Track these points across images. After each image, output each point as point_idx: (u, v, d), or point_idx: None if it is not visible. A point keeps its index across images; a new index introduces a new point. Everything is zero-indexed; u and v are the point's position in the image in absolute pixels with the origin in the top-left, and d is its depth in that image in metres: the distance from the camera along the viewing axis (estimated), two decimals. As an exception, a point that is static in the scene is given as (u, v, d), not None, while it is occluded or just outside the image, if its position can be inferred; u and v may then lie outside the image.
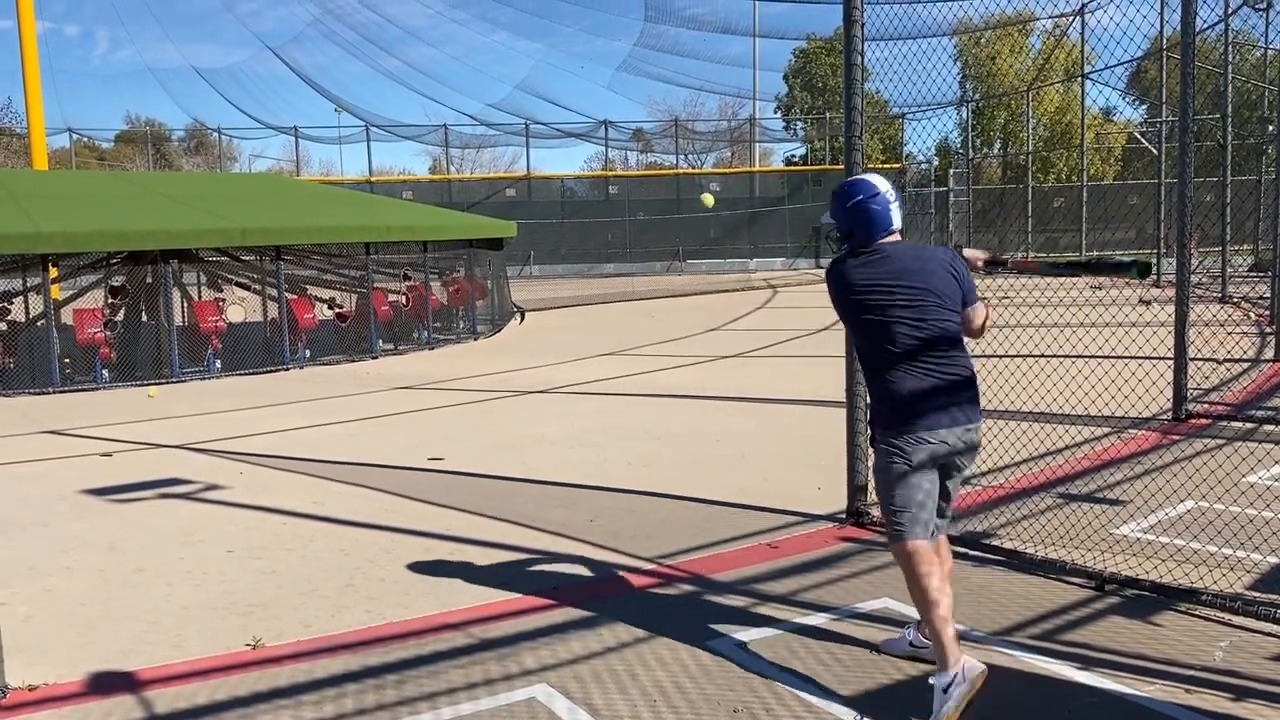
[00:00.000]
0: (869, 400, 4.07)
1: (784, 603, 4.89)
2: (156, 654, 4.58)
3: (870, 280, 3.86)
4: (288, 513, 6.95)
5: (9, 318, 16.24)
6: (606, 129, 46.48)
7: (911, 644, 4.17)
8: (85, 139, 48.73)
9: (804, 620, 4.64)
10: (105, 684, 4.29)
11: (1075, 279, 22.96)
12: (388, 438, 9.76)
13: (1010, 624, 4.50)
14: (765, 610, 4.80)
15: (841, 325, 4.41)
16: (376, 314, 17.20)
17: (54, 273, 15.55)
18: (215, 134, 48.63)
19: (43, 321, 14.93)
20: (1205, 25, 18.39)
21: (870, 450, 4.25)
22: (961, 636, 4.33)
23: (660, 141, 52.66)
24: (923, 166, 39.77)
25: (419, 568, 5.66)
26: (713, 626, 4.61)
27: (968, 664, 3.67)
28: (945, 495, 4.00)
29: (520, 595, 5.14)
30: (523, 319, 22.27)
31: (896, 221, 3.93)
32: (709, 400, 11.11)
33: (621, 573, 5.46)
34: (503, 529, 6.35)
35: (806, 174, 45.85)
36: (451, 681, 4.15)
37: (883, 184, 3.96)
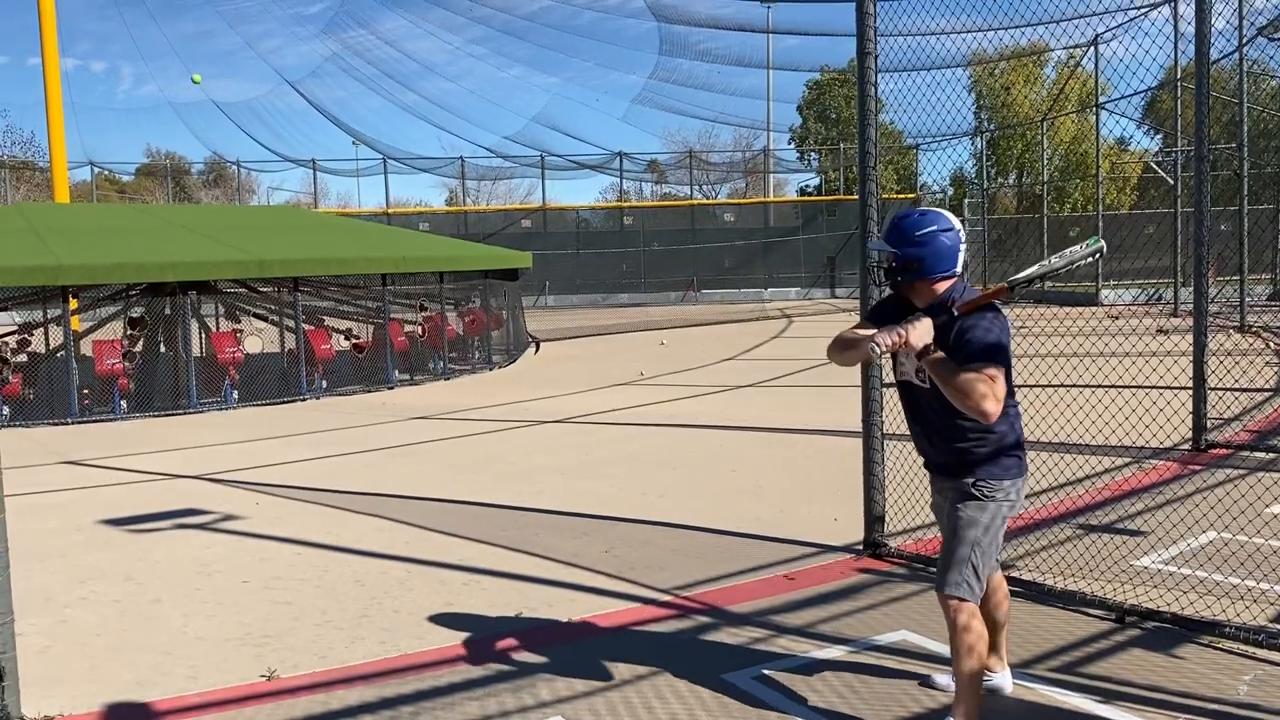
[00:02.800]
0: (981, 442, 3.68)
1: (801, 635, 4.85)
2: (172, 685, 4.57)
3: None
4: (303, 543, 6.95)
5: (29, 349, 16.37)
6: (621, 161, 46.79)
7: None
8: (106, 172, 49.39)
9: (821, 653, 4.60)
10: (120, 715, 4.29)
11: (1085, 308, 22.81)
12: (403, 468, 9.77)
13: (1030, 656, 4.45)
14: (782, 642, 4.76)
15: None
16: (393, 345, 17.26)
17: (74, 304, 15.68)
18: (234, 167, 49.20)
19: (62, 353, 15.05)
20: (1220, 55, 18.41)
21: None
22: (981, 669, 4.29)
23: (675, 173, 52.98)
24: (937, 196, 39.79)
25: (434, 599, 5.65)
26: (730, 659, 4.57)
27: None
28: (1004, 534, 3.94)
29: (535, 627, 5.12)
30: (538, 349, 22.31)
31: (960, 264, 3.69)
32: (724, 430, 11.08)
33: (637, 604, 5.43)
34: (517, 559, 6.33)
35: (820, 204, 45.97)
36: (467, 713, 4.12)
37: (956, 220, 3.74)
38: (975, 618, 3.61)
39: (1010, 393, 3.65)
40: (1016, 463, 3.71)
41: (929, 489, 3.98)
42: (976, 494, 3.66)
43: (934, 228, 3.64)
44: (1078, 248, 3.71)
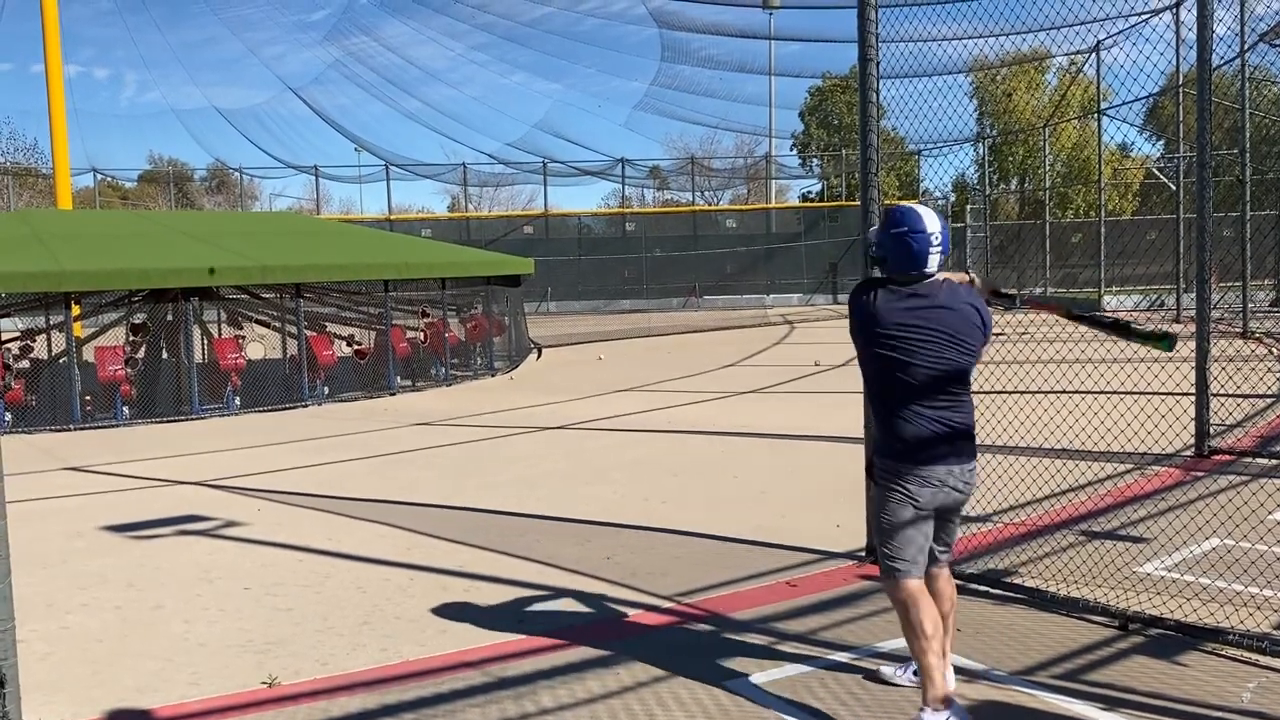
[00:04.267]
0: (876, 433, 4.02)
1: (803, 641, 4.84)
2: (173, 692, 4.57)
3: (899, 320, 3.80)
4: (304, 549, 6.95)
5: (31, 355, 16.38)
6: (624, 167, 46.79)
7: (914, 674, 4.11)
8: (109, 178, 49.44)
9: (824, 659, 4.60)
10: (121, 722, 4.28)
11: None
12: (405, 474, 9.76)
13: (1032, 663, 4.43)
14: (784, 649, 4.75)
15: (857, 363, 4.38)
16: (395, 351, 17.26)
17: (76, 310, 15.68)
18: (237, 173, 49.23)
19: (65, 359, 15.06)
20: (1222, 61, 18.41)
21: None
22: (982, 676, 4.29)
23: (677, 179, 52.95)
24: (939, 202, 39.81)
25: (435, 605, 5.64)
26: (731, 666, 4.56)
27: (958, 710, 3.73)
28: (948, 533, 3.99)
29: (537, 634, 5.11)
30: (540, 355, 22.31)
31: (932, 265, 3.82)
32: (726, 436, 11.07)
33: (638, 611, 5.42)
34: (519, 566, 6.33)
35: (823, 210, 45.96)
36: (468, 721, 4.12)
37: (933, 224, 3.82)
38: (901, 592, 3.81)
39: (921, 389, 3.80)
40: (915, 457, 3.83)
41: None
42: (876, 479, 3.97)
43: (904, 228, 3.82)
44: (1146, 333, 4.11)
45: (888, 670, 4.31)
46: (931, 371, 3.78)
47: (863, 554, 6.09)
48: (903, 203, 4.02)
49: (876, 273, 4.06)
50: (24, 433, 13.61)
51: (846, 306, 3.99)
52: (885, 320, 3.83)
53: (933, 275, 3.85)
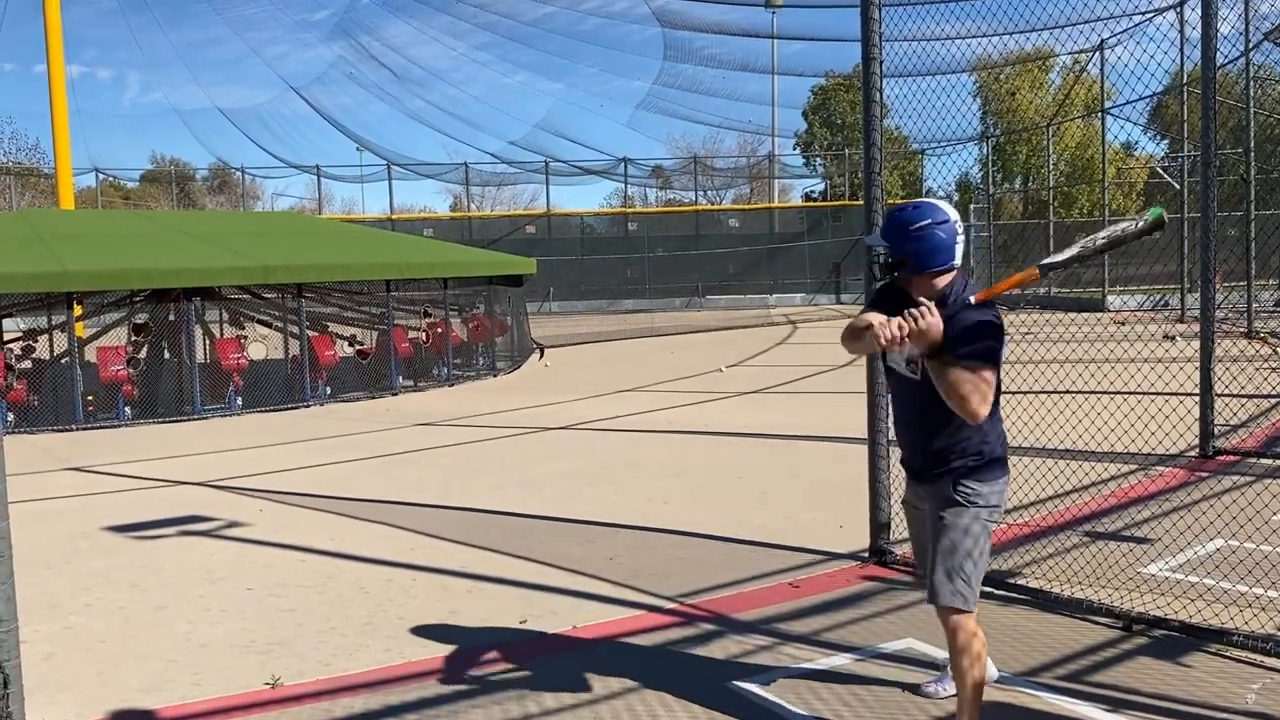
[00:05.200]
0: (970, 447, 3.60)
1: (806, 643, 4.83)
2: (176, 693, 4.57)
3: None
4: (307, 550, 6.95)
5: (34, 355, 16.39)
6: (626, 166, 46.79)
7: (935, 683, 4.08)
8: (111, 179, 49.48)
9: (827, 660, 4.59)
10: (124, 723, 4.28)
11: (1092, 314, 22.73)
12: (407, 474, 9.76)
13: (1036, 664, 4.42)
14: (787, 650, 4.74)
15: (862, 361, 4.36)
16: (397, 351, 17.26)
17: (78, 311, 15.69)
18: (239, 173, 49.28)
19: (67, 359, 15.07)
20: (1226, 60, 18.38)
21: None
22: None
23: (679, 178, 52.94)
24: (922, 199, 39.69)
25: (437, 606, 5.63)
26: (734, 666, 4.56)
27: None
28: None
29: (539, 634, 5.10)
30: (542, 355, 22.30)
31: (959, 257, 3.59)
32: (729, 437, 11.06)
33: (641, 611, 5.41)
34: (521, 566, 6.32)
35: (826, 210, 45.95)
36: (470, 722, 4.11)
37: (952, 211, 3.62)
38: (977, 634, 3.54)
39: (997, 404, 3.58)
40: (997, 469, 3.63)
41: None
42: (959, 499, 3.58)
43: (928, 221, 3.55)
44: (1128, 224, 3.56)
45: (931, 688, 4.19)
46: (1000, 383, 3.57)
47: (865, 555, 6.08)
48: (908, 200, 3.81)
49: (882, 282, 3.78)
50: (26, 433, 13.62)
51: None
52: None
53: (959, 267, 3.62)
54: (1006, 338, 3.51)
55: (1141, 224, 3.56)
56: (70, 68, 28.12)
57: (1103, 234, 3.60)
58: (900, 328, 3.33)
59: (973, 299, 3.45)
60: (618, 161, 46.81)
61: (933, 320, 3.32)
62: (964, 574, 3.54)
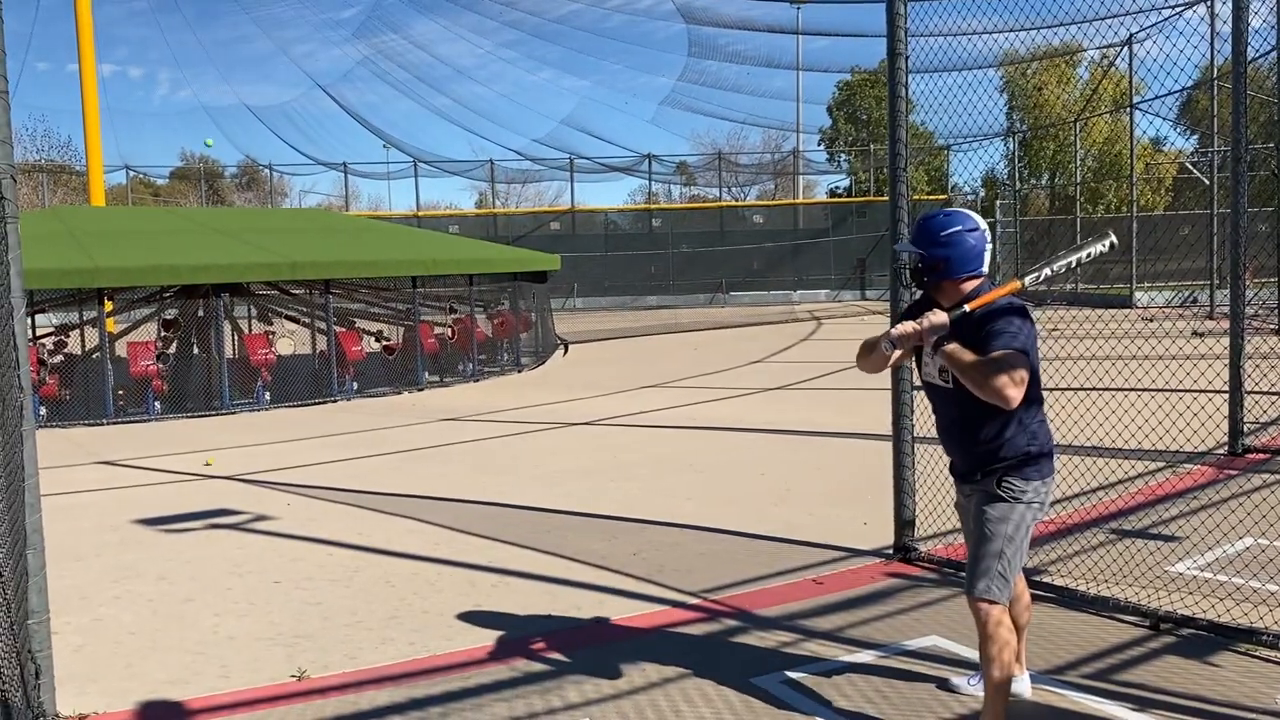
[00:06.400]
0: (1015, 441, 3.64)
1: (830, 639, 4.82)
2: (203, 684, 4.62)
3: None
4: (334, 544, 7.00)
5: (66, 350, 16.60)
6: (650, 163, 46.81)
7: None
8: (141, 176, 50.00)
9: (850, 657, 4.58)
10: (154, 714, 4.34)
11: (1119, 310, 22.56)
12: (432, 469, 9.81)
13: (1062, 662, 4.40)
14: (811, 646, 4.74)
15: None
16: (423, 346, 17.36)
17: (109, 306, 15.87)
18: (267, 170, 49.65)
19: (98, 354, 15.24)
20: (1258, 54, 18.14)
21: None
22: (1012, 675, 4.24)
23: (704, 175, 52.93)
24: (969, 198, 39.52)
25: (463, 599, 5.66)
26: (758, 662, 4.56)
27: None
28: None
29: (564, 629, 5.12)
30: (566, 351, 22.36)
31: (987, 264, 3.72)
32: (753, 433, 11.05)
33: (665, 606, 5.42)
34: (546, 561, 6.34)
35: (850, 206, 45.79)
36: (496, 715, 4.13)
37: (981, 220, 3.76)
38: (1004, 623, 3.59)
39: (1039, 401, 3.66)
40: (1042, 466, 3.68)
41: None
42: (1003, 495, 3.63)
43: (959, 228, 3.66)
44: (1089, 241, 3.77)
45: (958, 680, 4.21)
46: (1039, 381, 3.68)
47: (890, 552, 6.06)
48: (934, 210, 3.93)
49: (912, 288, 3.91)
50: (58, 427, 13.79)
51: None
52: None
53: (985, 276, 3.74)
54: (1033, 324, 3.59)
55: (1095, 241, 3.77)
56: (102, 66, 28.41)
57: (1067, 250, 3.80)
58: (912, 327, 3.51)
59: (967, 308, 3.54)
60: (642, 158, 46.85)
61: (938, 316, 3.49)
62: (999, 567, 3.60)
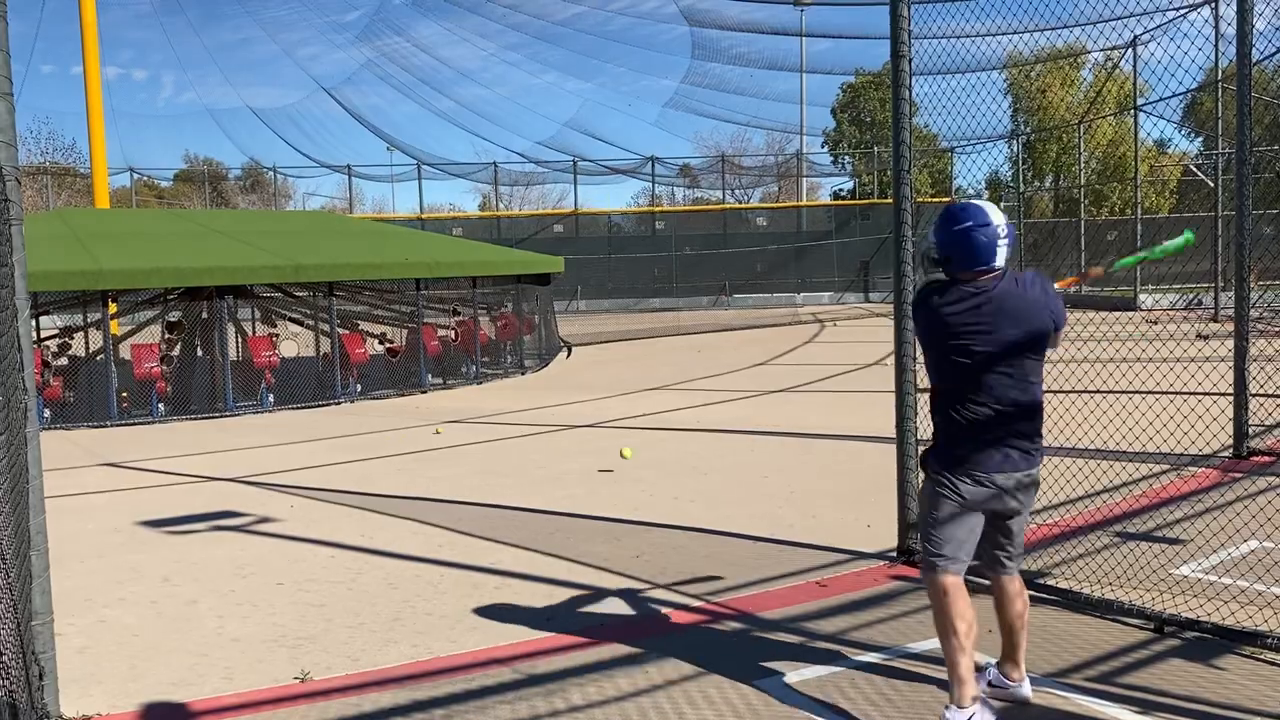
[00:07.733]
0: (933, 429, 3.95)
1: (834, 642, 4.82)
2: (207, 686, 4.62)
3: (965, 322, 3.75)
4: (337, 546, 7.00)
5: (69, 352, 16.63)
6: (653, 165, 46.80)
7: (990, 683, 4.05)
8: (145, 178, 50.06)
9: (854, 660, 4.57)
10: (158, 715, 4.34)
11: (1124, 313, 22.55)
12: (435, 472, 9.82)
13: (1066, 665, 4.39)
14: (814, 649, 4.73)
15: (889, 361, 4.38)
16: (426, 349, 17.36)
17: (113, 308, 15.89)
18: (271, 172, 49.72)
19: (102, 356, 15.27)
20: (1262, 56, 18.12)
21: (920, 480, 4.19)
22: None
23: (707, 177, 52.90)
24: (972, 200, 39.44)
25: (465, 602, 5.66)
26: (761, 665, 4.55)
27: (986, 710, 3.71)
28: (1008, 534, 3.93)
29: (567, 631, 5.12)
30: (569, 354, 22.35)
31: (1000, 259, 3.77)
32: (756, 435, 11.04)
33: (668, 609, 5.42)
34: (549, 563, 6.34)
35: (854, 208, 45.76)
36: (499, 716, 4.13)
37: (998, 216, 3.81)
38: (952, 589, 3.76)
39: (984, 391, 3.80)
40: (966, 457, 3.82)
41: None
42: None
43: (970, 223, 3.78)
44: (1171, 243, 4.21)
45: (992, 672, 4.18)
46: (996, 373, 3.74)
47: (894, 554, 6.05)
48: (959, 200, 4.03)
49: (940, 275, 3.93)
50: (62, 429, 13.82)
51: (911, 309, 3.99)
52: (952, 324, 3.77)
53: (1000, 270, 3.80)
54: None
55: (1181, 241, 4.22)
56: (106, 69, 28.49)
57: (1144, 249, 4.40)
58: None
59: (1056, 285, 3.93)
60: (645, 160, 46.83)
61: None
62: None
